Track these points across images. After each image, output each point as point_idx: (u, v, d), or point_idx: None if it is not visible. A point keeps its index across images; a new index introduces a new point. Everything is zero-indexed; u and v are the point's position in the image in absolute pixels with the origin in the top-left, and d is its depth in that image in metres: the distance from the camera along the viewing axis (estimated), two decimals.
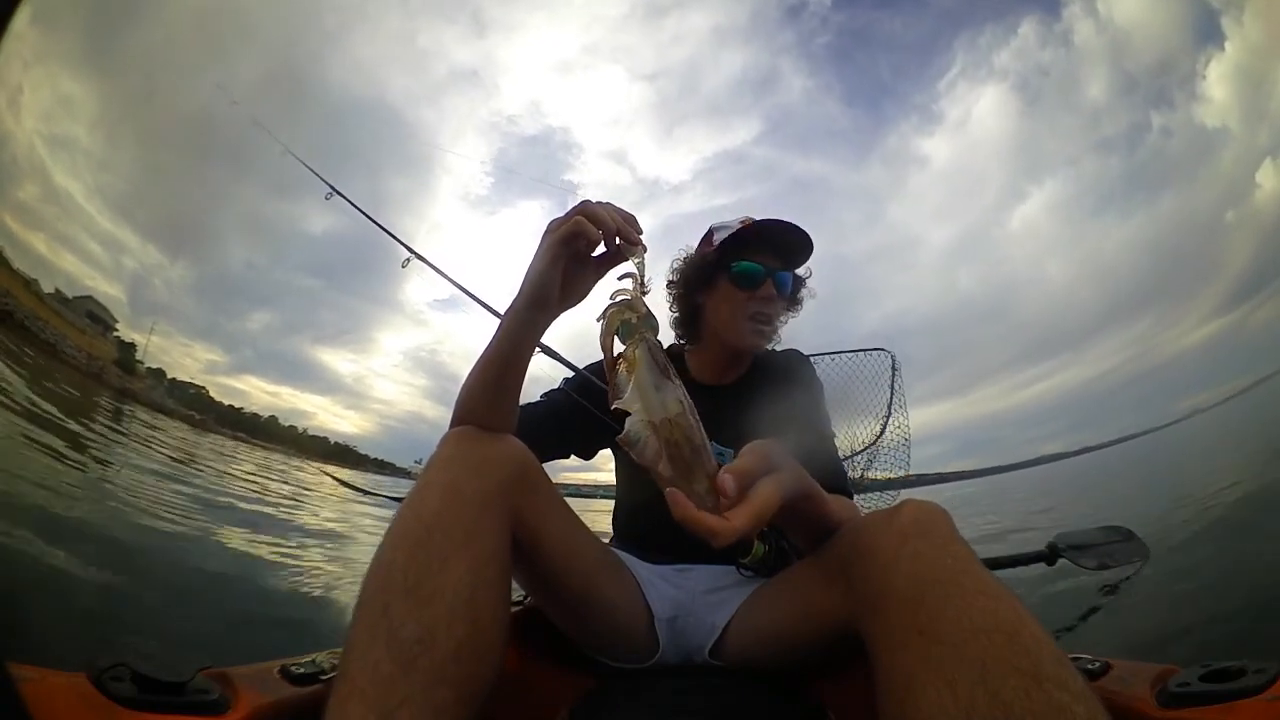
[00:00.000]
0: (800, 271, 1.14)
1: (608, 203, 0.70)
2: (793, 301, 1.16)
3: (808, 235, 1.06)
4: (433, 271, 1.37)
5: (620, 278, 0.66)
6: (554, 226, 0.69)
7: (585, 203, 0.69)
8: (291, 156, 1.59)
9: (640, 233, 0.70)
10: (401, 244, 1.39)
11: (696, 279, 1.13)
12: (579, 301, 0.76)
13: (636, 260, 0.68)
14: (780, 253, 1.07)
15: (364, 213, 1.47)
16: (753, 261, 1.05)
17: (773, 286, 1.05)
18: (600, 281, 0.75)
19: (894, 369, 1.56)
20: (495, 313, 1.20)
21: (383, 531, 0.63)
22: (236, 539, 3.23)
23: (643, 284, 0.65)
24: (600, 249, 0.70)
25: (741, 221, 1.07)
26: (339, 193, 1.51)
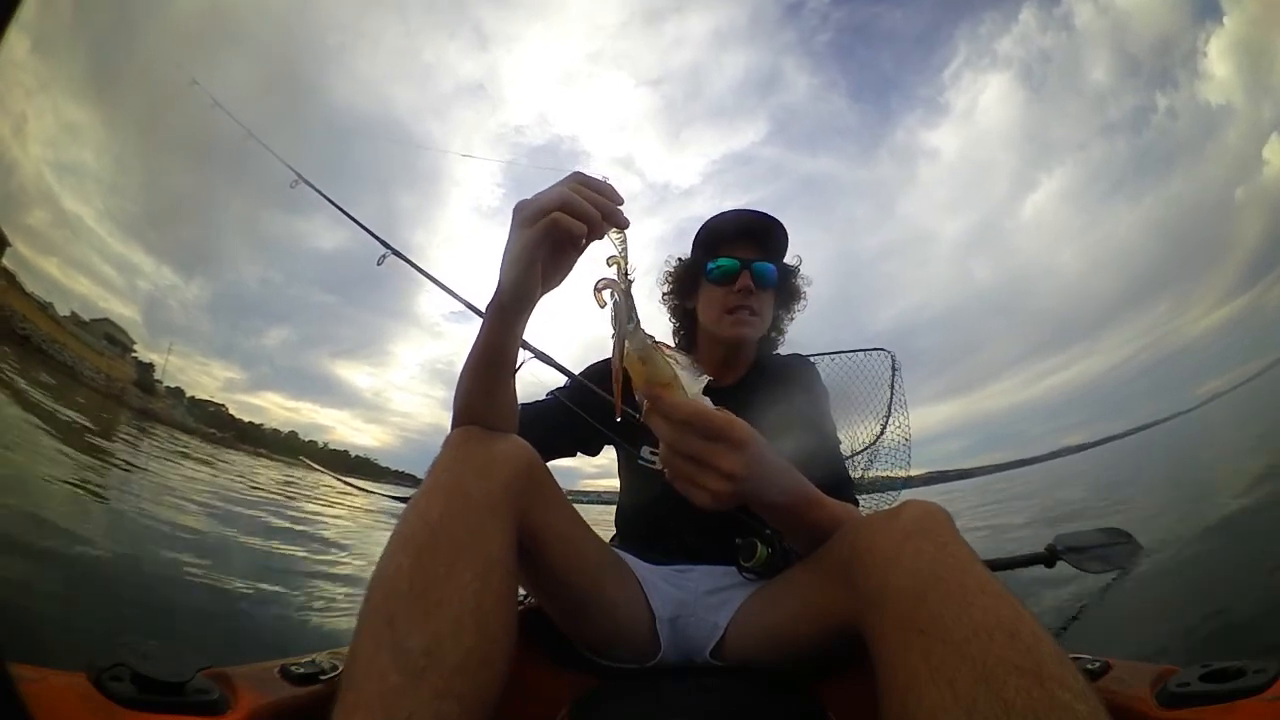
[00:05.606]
0: (790, 261, 1.14)
1: (583, 181, 0.64)
2: (786, 295, 1.15)
3: (772, 219, 1.06)
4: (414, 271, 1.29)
5: (609, 260, 0.62)
6: (527, 215, 0.63)
7: (563, 191, 0.63)
8: (268, 153, 1.55)
9: (622, 202, 0.64)
10: (377, 239, 1.34)
11: (686, 284, 1.15)
12: (560, 283, 0.72)
13: (618, 238, 0.63)
14: (753, 243, 1.08)
15: (333, 202, 1.44)
16: (727, 256, 1.06)
17: (749, 279, 1.05)
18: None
19: (894, 369, 1.56)
20: (478, 311, 1.18)
21: None
22: None
23: (627, 270, 0.60)
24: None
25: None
26: (305, 180, 1.48)
